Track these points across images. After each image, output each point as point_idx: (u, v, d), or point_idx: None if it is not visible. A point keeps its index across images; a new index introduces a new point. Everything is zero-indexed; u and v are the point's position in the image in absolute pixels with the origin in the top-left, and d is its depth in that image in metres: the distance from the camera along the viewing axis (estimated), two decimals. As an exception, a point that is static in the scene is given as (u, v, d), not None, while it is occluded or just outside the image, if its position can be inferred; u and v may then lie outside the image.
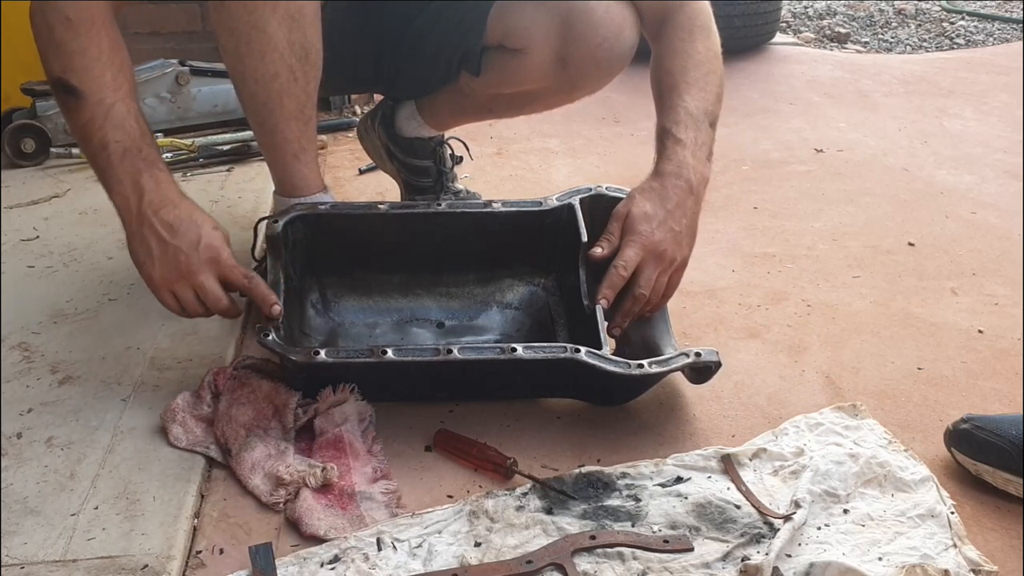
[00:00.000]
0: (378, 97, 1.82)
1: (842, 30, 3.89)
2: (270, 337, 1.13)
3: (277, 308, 1.16)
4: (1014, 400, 1.27)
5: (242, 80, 1.26)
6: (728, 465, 1.09)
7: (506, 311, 1.39)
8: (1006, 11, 4.27)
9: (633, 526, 1.00)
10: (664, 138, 1.26)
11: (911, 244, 1.77)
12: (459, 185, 1.78)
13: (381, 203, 1.33)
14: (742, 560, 0.94)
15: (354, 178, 2.10)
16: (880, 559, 0.95)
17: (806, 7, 4.36)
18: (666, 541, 0.97)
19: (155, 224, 1.12)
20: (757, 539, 0.98)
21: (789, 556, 0.95)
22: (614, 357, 1.14)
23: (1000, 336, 1.43)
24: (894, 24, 4.13)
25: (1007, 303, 1.54)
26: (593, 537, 0.97)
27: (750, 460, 1.11)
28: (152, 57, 2.32)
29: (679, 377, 1.26)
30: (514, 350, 1.13)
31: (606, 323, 1.23)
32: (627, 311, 1.23)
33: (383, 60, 1.56)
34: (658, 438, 1.18)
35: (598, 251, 1.23)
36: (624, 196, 1.36)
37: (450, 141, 1.74)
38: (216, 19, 1.24)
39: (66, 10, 1.13)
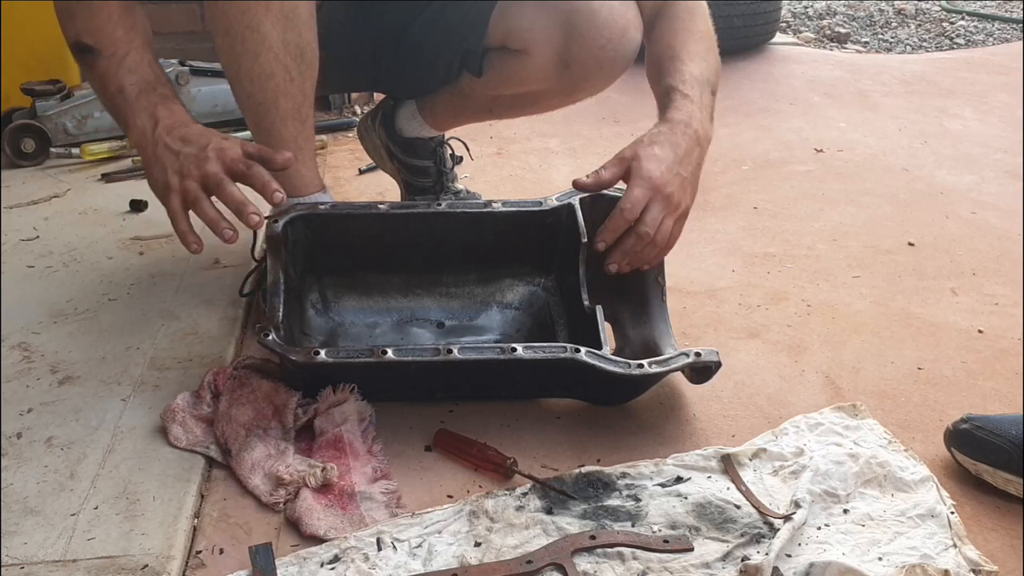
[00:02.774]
0: (378, 97, 1.82)
1: (842, 30, 3.89)
2: (270, 337, 1.13)
3: (279, 195, 1.15)
4: (1014, 400, 1.27)
5: (238, 80, 1.27)
6: (728, 465, 1.09)
7: (506, 311, 1.39)
8: (1006, 11, 4.27)
9: (633, 526, 1.00)
10: (670, 93, 1.26)
11: (911, 244, 1.77)
12: (459, 185, 1.78)
13: (381, 203, 1.33)
14: (742, 560, 0.94)
15: (354, 178, 2.10)
16: (880, 559, 0.95)
17: (806, 7, 4.36)
18: (666, 541, 0.97)
19: (168, 142, 1.15)
20: (757, 539, 0.98)
21: (789, 556, 0.95)
22: (614, 357, 1.14)
23: (1000, 336, 1.44)
24: (894, 24, 4.13)
25: (1007, 303, 1.54)
26: (593, 537, 0.97)
27: (750, 460, 1.11)
28: (152, 57, 2.32)
29: (679, 377, 1.26)
30: (514, 350, 1.14)
31: (607, 324, 1.23)
32: (628, 249, 1.21)
33: (383, 60, 1.56)
34: (658, 438, 1.18)
35: (583, 179, 1.24)
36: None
37: (450, 141, 1.74)
38: (211, 19, 1.24)
39: None
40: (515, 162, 2.23)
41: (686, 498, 1.04)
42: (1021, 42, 3.59)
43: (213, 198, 1.14)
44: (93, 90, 1.26)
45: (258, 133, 1.33)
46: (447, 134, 1.73)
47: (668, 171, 1.20)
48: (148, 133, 1.16)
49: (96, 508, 1.03)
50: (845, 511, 1.02)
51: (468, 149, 1.81)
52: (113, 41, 1.19)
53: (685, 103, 1.24)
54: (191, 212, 1.14)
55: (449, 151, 1.74)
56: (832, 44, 3.77)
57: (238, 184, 1.14)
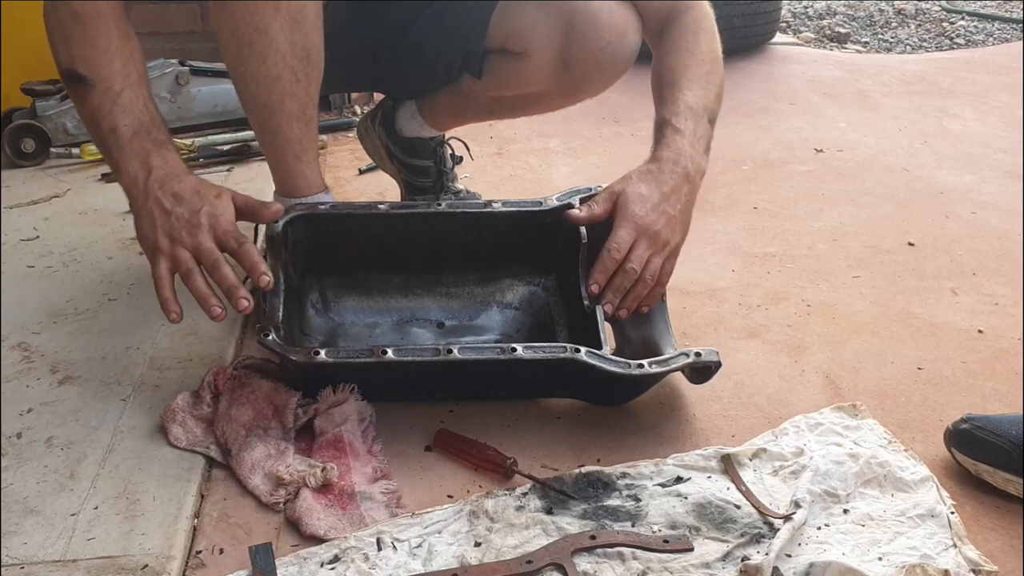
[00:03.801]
0: (378, 97, 1.82)
1: (842, 30, 3.89)
2: (270, 337, 1.13)
3: (266, 279, 1.13)
4: (1014, 400, 1.27)
5: (243, 82, 1.26)
6: (728, 465, 1.09)
7: (506, 311, 1.39)
8: (1006, 11, 4.27)
9: (633, 526, 1.00)
10: (663, 127, 1.26)
11: (911, 244, 1.77)
12: (459, 185, 1.78)
13: (381, 203, 1.33)
14: (742, 560, 0.94)
15: (354, 178, 2.10)
16: (880, 559, 0.95)
17: (806, 7, 4.36)
18: (666, 541, 0.97)
19: (160, 197, 1.11)
20: (757, 539, 0.98)
21: (789, 556, 0.95)
22: (614, 357, 1.14)
23: (1000, 336, 1.44)
24: (894, 24, 4.13)
25: (1007, 303, 1.54)
26: (593, 537, 0.97)
27: (750, 460, 1.11)
28: (152, 57, 2.31)
29: (679, 377, 1.26)
30: (514, 350, 1.13)
31: (607, 324, 1.23)
32: (618, 287, 1.21)
33: (383, 60, 1.56)
34: (658, 438, 1.18)
35: (575, 212, 1.24)
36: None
37: (450, 141, 1.74)
38: (217, 20, 1.24)
39: (74, 5, 1.14)
40: (515, 162, 2.23)
41: (686, 498, 1.04)
42: (1021, 42, 3.59)
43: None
44: (82, 121, 1.20)
45: (262, 134, 1.33)
46: (447, 134, 1.73)
47: (654, 210, 1.20)
48: (140, 182, 1.13)
49: (96, 508, 1.03)
50: (845, 511, 1.02)
51: (468, 149, 1.81)
52: (109, 74, 1.14)
53: (676, 139, 1.23)
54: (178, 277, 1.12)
55: (449, 151, 1.74)
56: (832, 44, 3.77)
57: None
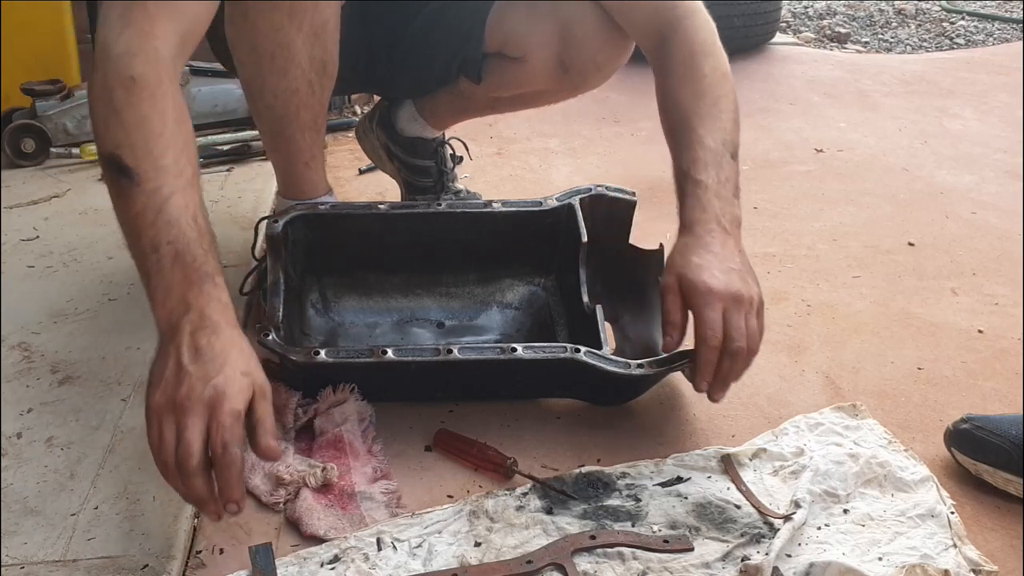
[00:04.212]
0: (378, 97, 1.82)
1: (842, 30, 3.89)
2: (270, 337, 1.13)
3: (233, 508, 0.86)
4: (1014, 400, 1.27)
5: (259, 94, 1.26)
6: (728, 465, 1.09)
7: (506, 311, 1.39)
8: (1006, 11, 4.27)
9: (633, 526, 1.00)
10: (683, 182, 1.15)
11: (911, 244, 1.77)
12: (459, 185, 1.78)
13: (381, 203, 1.33)
14: (742, 560, 0.94)
15: (354, 178, 2.10)
16: (880, 559, 0.95)
17: (806, 7, 4.36)
18: (666, 541, 0.97)
19: (183, 344, 0.88)
20: (757, 539, 0.98)
21: (789, 556, 0.95)
22: (614, 357, 1.14)
23: (1000, 336, 1.44)
24: (894, 24, 4.13)
25: (1007, 303, 1.54)
26: (593, 537, 0.97)
27: (750, 460, 1.11)
28: (152, 57, 2.31)
29: (679, 377, 1.26)
30: (514, 350, 1.13)
31: (607, 324, 1.23)
32: (726, 373, 1.06)
33: (379, 61, 1.56)
34: (658, 438, 1.18)
35: (670, 341, 1.08)
36: (624, 196, 1.36)
37: (451, 141, 1.74)
38: (236, 33, 1.22)
39: (133, 68, 0.96)
40: (515, 162, 2.23)
41: (686, 498, 1.04)
42: (1021, 42, 3.59)
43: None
44: (118, 220, 0.97)
45: (274, 141, 1.33)
46: (447, 134, 1.73)
47: (721, 272, 1.06)
48: (173, 320, 0.90)
49: (96, 508, 1.03)
50: (845, 511, 1.02)
51: (467, 149, 1.81)
52: (159, 170, 0.94)
53: (699, 194, 1.13)
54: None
55: (449, 151, 1.74)
56: (832, 44, 3.77)
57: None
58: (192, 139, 0.99)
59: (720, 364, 1.05)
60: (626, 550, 0.96)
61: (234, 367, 0.88)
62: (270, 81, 1.23)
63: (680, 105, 1.21)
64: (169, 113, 0.96)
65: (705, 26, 1.24)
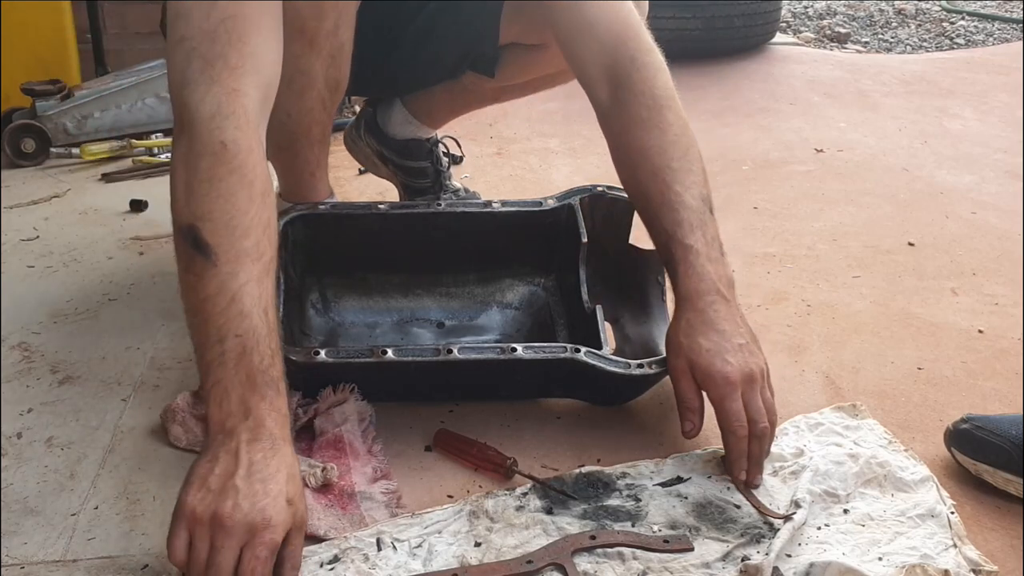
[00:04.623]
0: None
1: (842, 30, 3.89)
2: (270, 337, 1.13)
3: None
4: (1014, 400, 1.27)
5: (273, 112, 1.26)
6: (728, 465, 1.09)
7: (506, 311, 1.39)
8: (1006, 11, 4.27)
9: (633, 526, 1.00)
10: (671, 247, 1.11)
11: (911, 244, 1.77)
12: (456, 183, 1.78)
13: (381, 203, 1.33)
14: (742, 560, 0.94)
15: (354, 178, 2.10)
16: (880, 559, 0.95)
17: (806, 7, 4.36)
18: (666, 541, 0.97)
19: (239, 453, 0.84)
20: (757, 539, 0.98)
21: (789, 556, 0.95)
22: (614, 357, 1.14)
23: (1000, 336, 1.44)
24: (894, 24, 4.13)
25: (1007, 303, 1.54)
26: (593, 537, 0.97)
27: (750, 460, 1.11)
28: (152, 57, 2.32)
29: (679, 377, 1.26)
30: (514, 350, 1.13)
31: (607, 324, 1.23)
32: (758, 455, 1.04)
33: (379, 62, 1.55)
34: (658, 438, 1.18)
35: (692, 429, 1.07)
36: (625, 196, 1.36)
37: (444, 140, 1.74)
38: None
39: (224, 133, 0.90)
40: (515, 162, 2.23)
41: (686, 498, 1.04)
42: (1021, 42, 3.59)
43: None
44: (184, 300, 0.91)
45: (281, 154, 1.33)
46: (439, 133, 1.73)
47: (730, 354, 1.03)
48: (228, 425, 0.86)
49: (96, 508, 1.03)
50: (845, 511, 1.02)
51: (460, 145, 1.81)
52: (240, 253, 0.88)
53: (693, 260, 1.09)
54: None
55: (443, 149, 1.74)
56: (832, 44, 3.77)
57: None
58: (275, 218, 0.94)
59: (751, 449, 1.04)
60: (626, 550, 0.96)
61: (282, 493, 0.84)
62: (286, 103, 1.22)
63: (649, 157, 1.13)
64: (257, 187, 0.91)
65: (659, 72, 1.17)
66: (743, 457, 1.04)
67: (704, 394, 1.07)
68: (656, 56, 1.18)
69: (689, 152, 1.15)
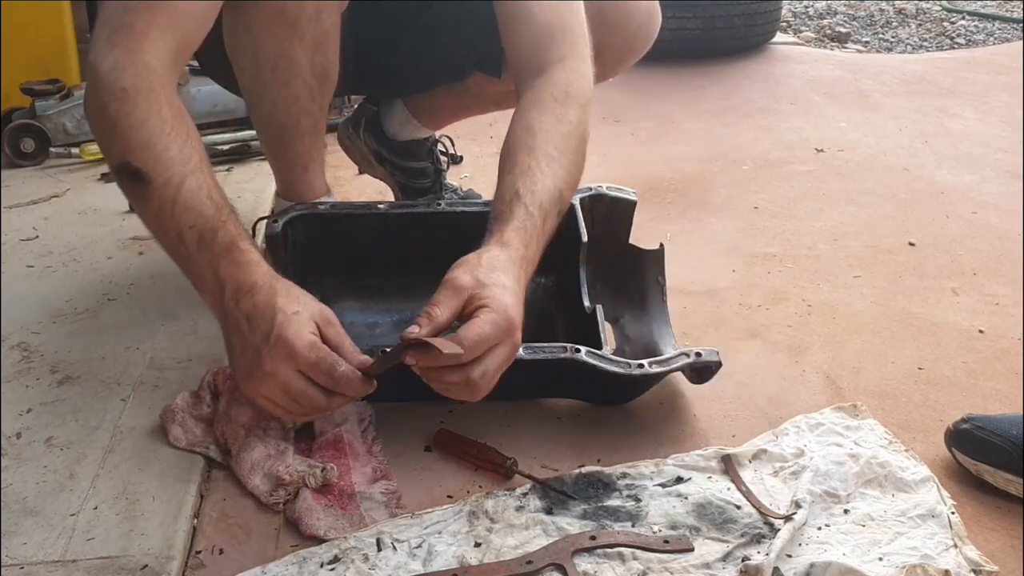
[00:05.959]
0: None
1: (842, 30, 3.89)
2: (270, 337, 1.13)
3: (370, 390, 0.94)
4: (1014, 400, 1.26)
5: (259, 102, 1.26)
6: (728, 465, 1.09)
7: (506, 311, 1.39)
8: (1006, 11, 4.27)
9: (633, 526, 1.00)
10: (515, 205, 1.06)
11: (911, 244, 1.77)
12: (453, 182, 1.78)
13: (381, 203, 1.33)
14: (742, 560, 0.94)
15: (354, 178, 2.10)
16: (881, 559, 0.94)
17: (806, 7, 4.36)
18: (666, 541, 0.97)
19: (238, 318, 0.92)
20: (757, 539, 0.97)
21: (789, 556, 0.95)
22: (614, 357, 1.14)
23: (1000, 336, 1.43)
24: (894, 24, 4.13)
25: (1007, 303, 1.54)
26: (593, 537, 0.97)
27: (750, 460, 1.11)
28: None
29: (679, 377, 1.26)
30: (514, 350, 1.13)
31: (607, 324, 1.23)
32: (445, 386, 0.98)
33: (379, 61, 1.55)
34: (658, 438, 1.18)
35: (415, 329, 0.95)
36: (625, 196, 1.36)
37: (442, 139, 1.74)
38: (237, 43, 1.22)
39: (122, 80, 0.98)
40: (515, 162, 2.22)
41: (686, 498, 1.04)
42: (1021, 42, 3.59)
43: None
44: (142, 220, 1.01)
45: (272, 147, 1.33)
46: (437, 132, 1.73)
47: (516, 310, 0.96)
48: (218, 299, 0.94)
49: (96, 508, 1.03)
50: (846, 511, 1.02)
51: (453, 144, 1.80)
52: (167, 163, 0.95)
53: (527, 224, 1.04)
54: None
55: (442, 149, 1.74)
56: (833, 44, 3.77)
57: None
58: (193, 129, 1.00)
59: (446, 374, 0.96)
60: (626, 550, 0.96)
61: (284, 312, 0.91)
62: (271, 90, 1.23)
63: (534, 134, 1.10)
64: (165, 111, 0.98)
65: (586, 78, 1.17)
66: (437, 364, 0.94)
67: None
68: (586, 66, 1.17)
69: (574, 152, 1.13)
